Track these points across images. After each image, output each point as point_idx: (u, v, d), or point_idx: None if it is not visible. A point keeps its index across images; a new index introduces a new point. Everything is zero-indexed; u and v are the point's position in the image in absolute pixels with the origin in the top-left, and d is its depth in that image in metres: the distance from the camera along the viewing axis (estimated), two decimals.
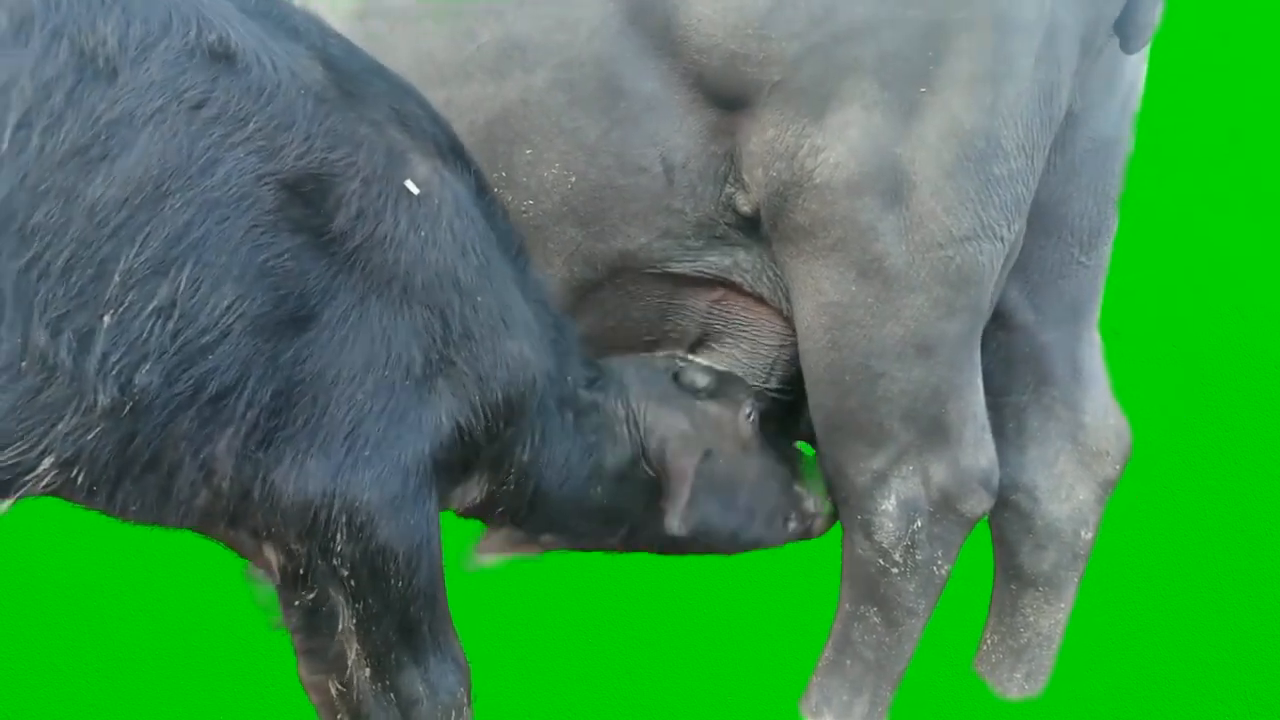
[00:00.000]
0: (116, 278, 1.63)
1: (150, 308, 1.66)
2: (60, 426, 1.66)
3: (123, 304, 1.64)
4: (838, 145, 2.17)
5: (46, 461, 1.68)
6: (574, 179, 2.33)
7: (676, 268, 2.43)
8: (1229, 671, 2.82)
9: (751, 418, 2.42)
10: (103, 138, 1.62)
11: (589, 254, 2.40)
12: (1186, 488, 3.29)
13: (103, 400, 1.67)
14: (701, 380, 2.41)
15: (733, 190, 2.33)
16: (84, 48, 1.61)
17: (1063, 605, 2.72)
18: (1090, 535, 2.69)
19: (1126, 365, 2.71)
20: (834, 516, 2.50)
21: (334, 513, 1.83)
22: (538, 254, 2.34)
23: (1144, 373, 2.76)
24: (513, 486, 2.16)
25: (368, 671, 1.94)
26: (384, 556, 1.87)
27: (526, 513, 2.23)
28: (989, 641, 2.81)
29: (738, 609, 3.04)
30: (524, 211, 2.35)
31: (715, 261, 2.42)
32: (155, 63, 1.65)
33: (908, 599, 2.46)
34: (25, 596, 2.93)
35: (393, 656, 1.94)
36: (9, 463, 1.66)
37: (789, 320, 2.41)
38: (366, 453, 1.83)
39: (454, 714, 2.01)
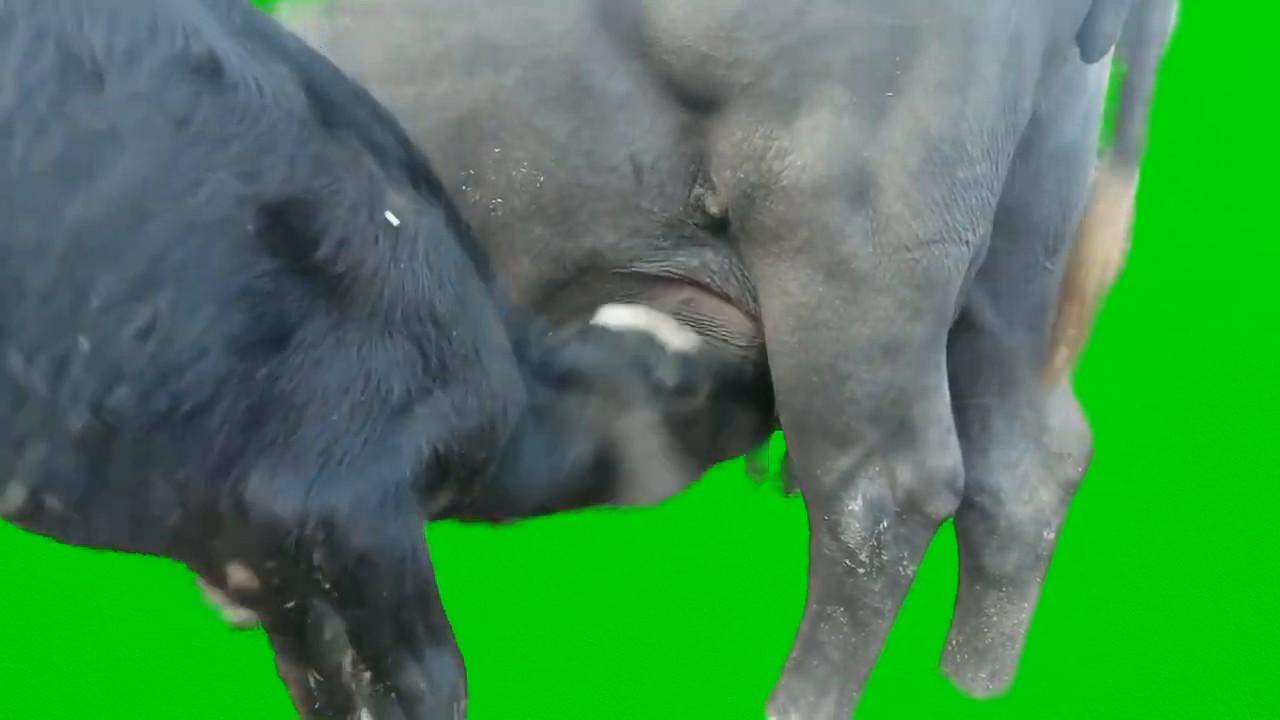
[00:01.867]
0: (95, 301, 1.57)
1: (129, 331, 1.61)
2: (30, 454, 1.61)
3: (100, 328, 1.59)
4: (805, 148, 2.18)
5: (17, 490, 1.63)
6: (543, 178, 2.33)
7: (645, 267, 2.44)
8: (1229, 671, 2.84)
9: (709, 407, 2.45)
10: (87, 152, 1.54)
11: (557, 253, 2.40)
12: (1186, 488, 3.31)
13: (75, 425, 1.61)
14: (671, 379, 2.41)
15: (702, 191, 2.34)
16: (70, 51, 1.53)
17: (1026, 605, 2.75)
18: (1052, 536, 2.72)
19: (1126, 365, 2.72)
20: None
21: (308, 530, 1.80)
22: (505, 252, 2.35)
23: (1144, 372, 2.77)
24: (478, 495, 2.18)
25: (368, 675, 1.93)
26: (367, 570, 1.85)
27: (487, 509, 2.26)
28: (954, 642, 2.84)
29: (708, 609, 3.05)
30: (492, 210, 2.35)
31: (683, 262, 2.43)
32: (143, 73, 1.59)
33: (874, 599, 2.48)
34: (25, 596, 2.89)
35: (390, 659, 1.94)
36: None
37: (758, 321, 2.43)
38: (342, 471, 1.81)
39: (454, 706, 2.02)
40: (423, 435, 1.90)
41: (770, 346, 2.39)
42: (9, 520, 1.74)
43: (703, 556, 3.12)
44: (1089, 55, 2.33)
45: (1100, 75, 2.48)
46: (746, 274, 2.39)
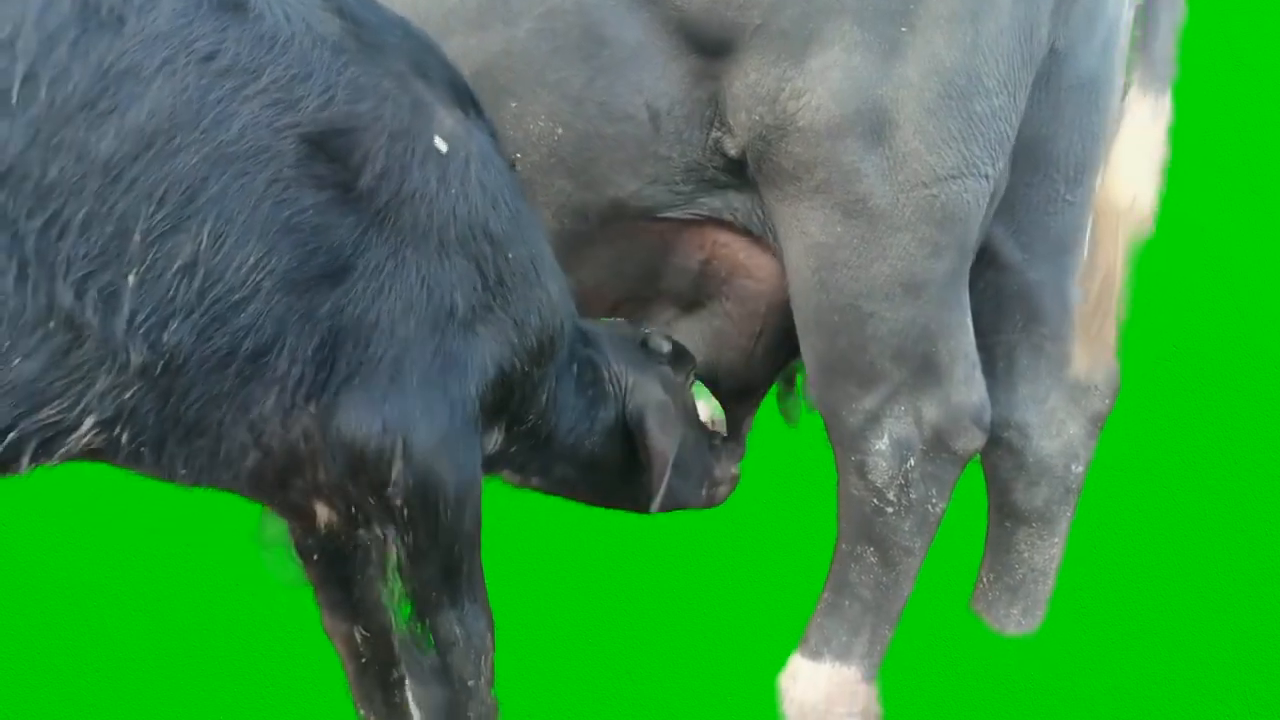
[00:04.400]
0: (137, 235, 1.63)
1: (174, 266, 1.65)
2: (97, 386, 1.67)
3: (145, 262, 1.64)
4: (819, 88, 2.18)
5: (88, 421, 1.69)
6: (560, 130, 2.34)
7: (668, 213, 2.44)
8: (1229, 671, 2.83)
9: (691, 383, 2.47)
10: (111, 90, 1.59)
11: (579, 205, 2.41)
12: (1186, 488, 3.29)
13: (135, 359, 1.67)
14: (665, 346, 2.45)
15: (719, 134, 2.34)
16: None
17: (1056, 540, 2.75)
18: (1081, 469, 2.71)
19: (1126, 365, 2.71)
20: (735, 484, 2.56)
21: (387, 446, 1.85)
22: None
23: (1144, 372, 2.74)
24: (528, 433, 2.20)
25: (408, 611, 2.00)
26: (435, 489, 1.91)
27: (531, 459, 2.28)
28: (985, 580, 2.84)
29: (744, 605, 3.05)
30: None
31: (706, 203, 2.43)
32: (163, 12, 1.62)
33: (903, 538, 2.49)
34: (25, 596, 2.95)
35: (433, 597, 2.00)
36: (50, 420, 1.66)
37: (780, 277, 2.44)
38: (414, 387, 1.86)
39: (483, 659, 2.07)
40: (486, 352, 1.95)
41: (791, 288, 2.39)
42: (91, 458, 1.79)
43: (703, 556, 3.15)
44: None
45: (1119, 5, 2.44)
46: (768, 213, 2.40)
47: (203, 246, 1.66)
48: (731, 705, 2.78)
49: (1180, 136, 3.58)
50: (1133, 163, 2.37)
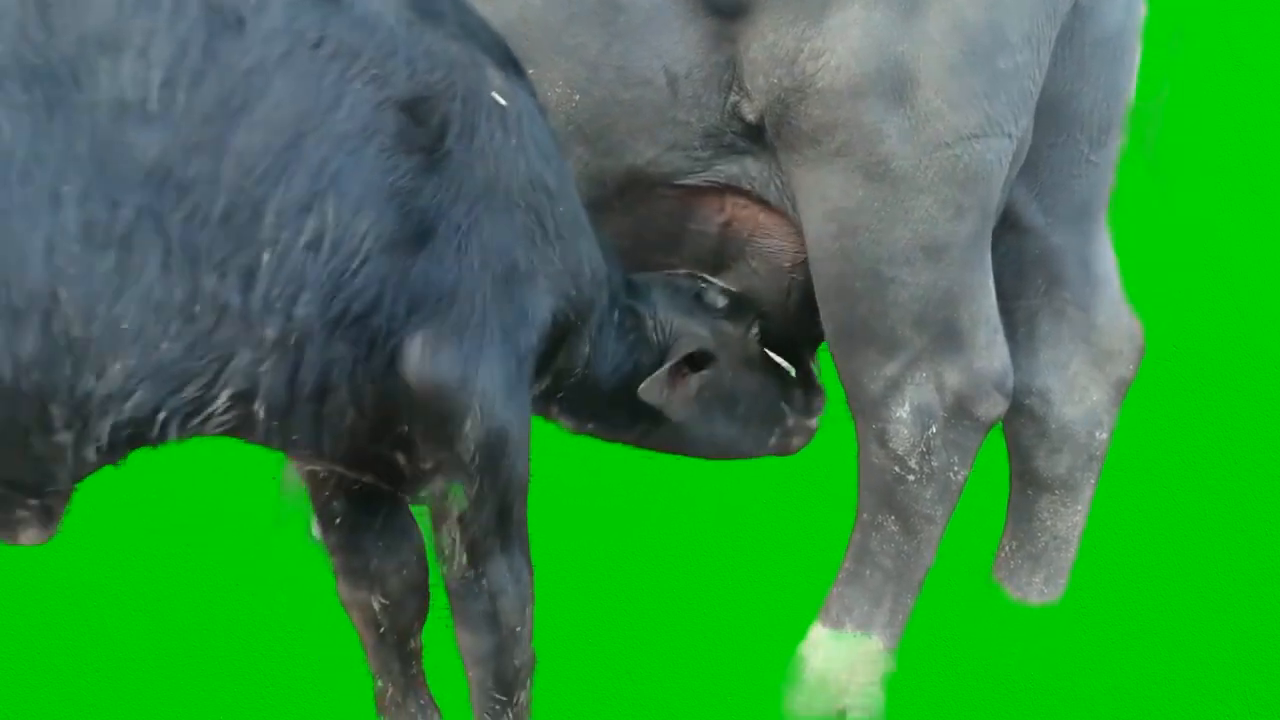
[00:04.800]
0: (270, 218, 1.77)
1: (302, 242, 1.80)
2: (235, 362, 1.80)
3: (277, 241, 1.78)
4: (838, 47, 2.16)
5: (224, 395, 1.82)
6: (578, 97, 2.33)
7: (686, 180, 2.43)
8: (1229, 671, 2.82)
9: (756, 335, 2.50)
10: (240, 88, 1.74)
11: (597, 172, 2.40)
12: (1186, 488, 3.27)
13: (270, 333, 1.81)
14: (720, 301, 2.49)
15: (737, 98, 2.32)
16: (210, 3, 1.73)
17: (1079, 507, 2.74)
18: (1105, 436, 2.69)
19: None
20: (810, 437, 2.61)
21: (464, 399, 1.96)
22: None
23: (1144, 372, 2.74)
24: (574, 379, 2.29)
25: (464, 558, 2.08)
26: (503, 439, 2.02)
27: (580, 404, 2.37)
28: (1007, 548, 2.83)
29: (744, 603, 3.04)
30: None
31: (723, 170, 2.41)
32: (275, 9, 1.77)
33: (925, 506, 2.48)
34: (25, 596, 2.95)
35: (487, 543, 2.08)
36: (191, 397, 1.80)
37: (801, 234, 2.42)
38: (489, 340, 1.98)
39: (528, 607, 2.16)
40: (544, 304, 2.07)
41: (811, 254, 2.38)
42: (225, 433, 1.91)
43: (703, 556, 3.14)
44: None
45: None
46: (787, 180, 2.38)
47: (327, 221, 1.80)
48: (733, 704, 2.78)
49: (1180, 136, 3.58)
50: None
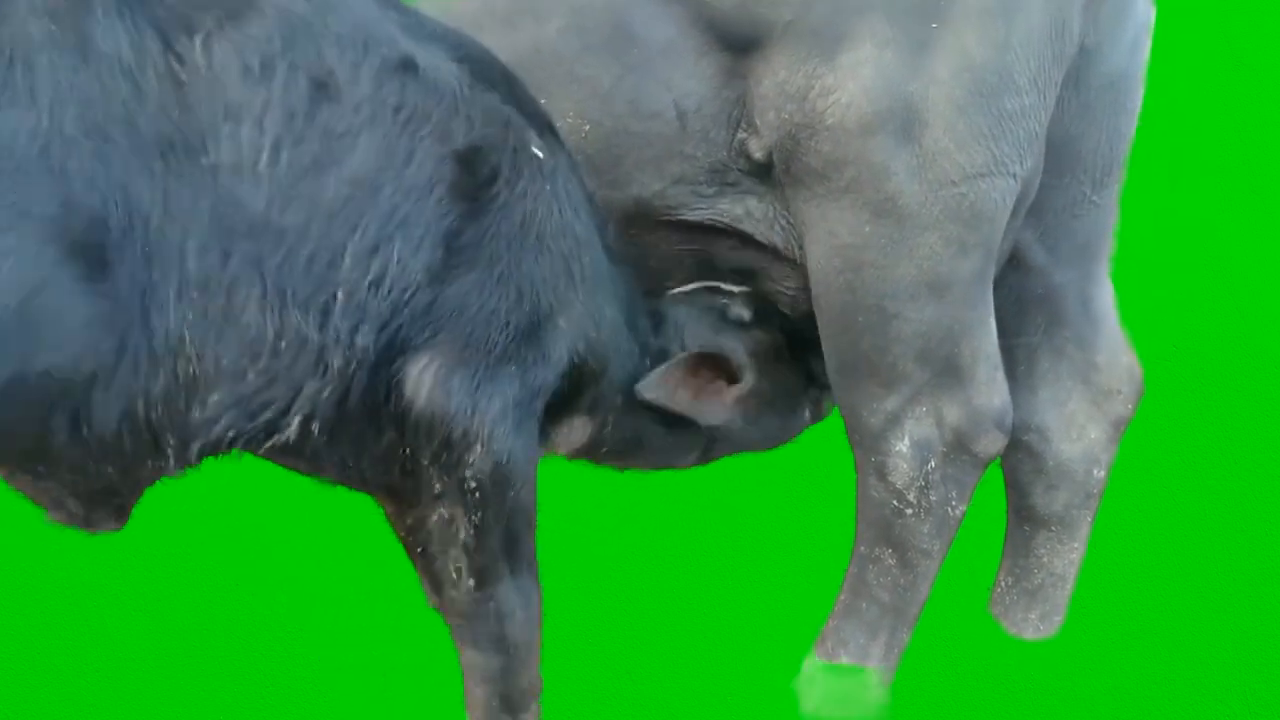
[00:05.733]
0: (347, 260, 1.96)
1: (368, 281, 1.98)
2: (306, 390, 1.98)
3: (350, 280, 1.96)
4: (849, 84, 2.19)
5: (295, 420, 1.99)
6: (588, 127, 2.36)
7: (689, 215, 2.45)
8: (1229, 671, 2.83)
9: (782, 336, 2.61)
10: (333, 149, 1.95)
11: (604, 202, 2.42)
12: (1186, 488, 3.29)
13: (336, 363, 1.98)
14: (746, 314, 2.57)
15: (745, 135, 2.35)
16: (316, 78, 1.94)
17: (1076, 545, 2.75)
18: (1102, 474, 2.71)
19: None
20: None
21: (473, 430, 2.08)
22: None
23: (1144, 372, 2.76)
24: (612, 428, 2.42)
25: (471, 583, 2.16)
26: (509, 468, 2.11)
27: (631, 449, 2.50)
28: (1003, 584, 2.84)
29: (745, 603, 3.05)
30: None
31: (726, 209, 2.44)
32: (365, 81, 1.98)
33: (922, 540, 2.49)
34: (25, 596, 2.94)
35: (495, 568, 2.16)
36: (265, 421, 1.98)
37: (801, 268, 2.44)
38: (508, 376, 2.11)
39: (537, 630, 2.23)
40: (564, 343, 2.19)
41: (815, 290, 2.40)
42: (268, 451, 2.04)
43: (710, 554, 3.15)
44: None
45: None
46: (790, 221, 2.41)
47: (391, 261, 1.99)
48: (733, 704, 2.77)
49: (1180, 136, 3.60)
50: None
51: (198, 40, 1.86)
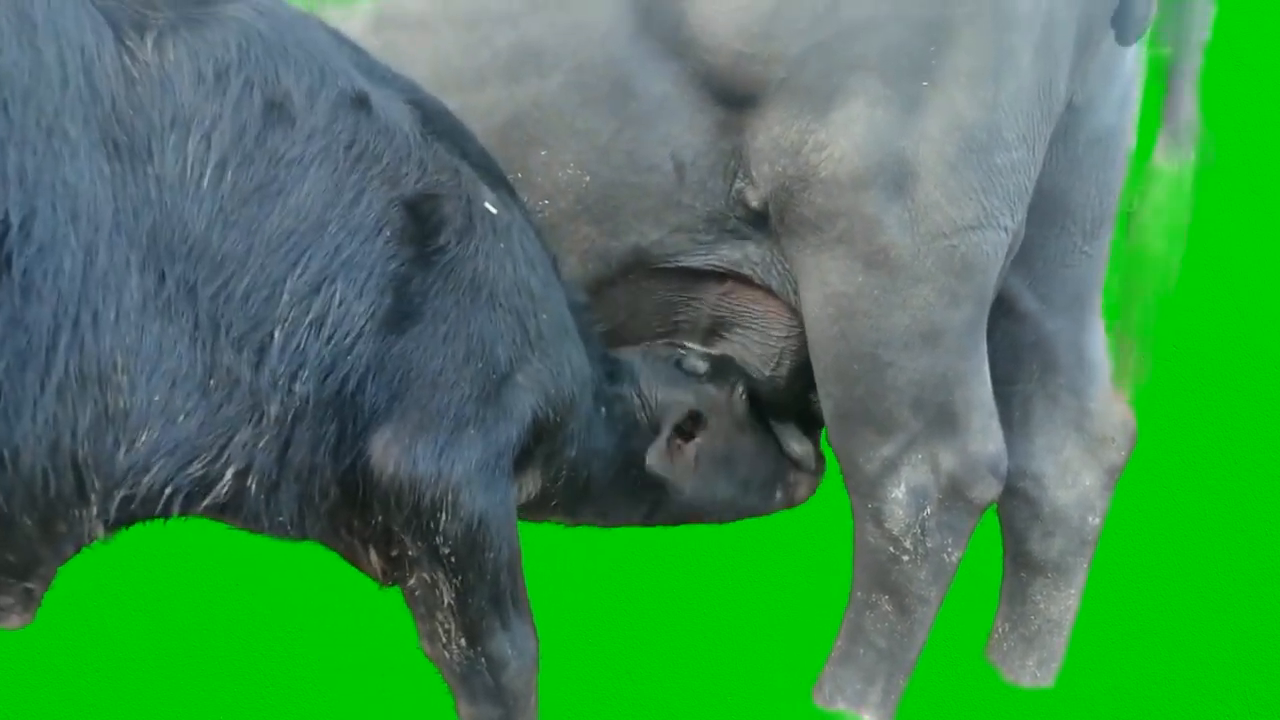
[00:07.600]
0: (285, 297, 1.85)
1: (307, 320, 1.87)
2: (238, 437, 1.85)
3: (287, 319, 1.85)
4: (842, 140, 2.24)
5: (229, 472, 1.86)
6: (588, 179, 2.40)
7: (688, 261, 2.49)
8: (1229, 671, 2.82)
9: (743, 396, 2.58)
10: (280, 176, 1.85)
11: (603, 251, 2.47)
12: (1186, 488, 3.29)
13: (272, 410, 1.86)
14: (701, 366, 2.56)
15: (742, 185, 2.39)
16: (271, 98, 1.84)
17: (1072, 591, 2.76)
18: (1097, 521, 2.73)
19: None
20: (815, 483, 2.69)
21: (439, 496, 2.00)
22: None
23: (1143, 373, 2.77)
24: (564, 482, 2.35)
25: (462, 642, 2.11)
26: (482, 530, 2.05)
27: (578, 503, 2.42)
28: (1000, 630, 2.85)
29: (745, 604, 3.07)
30: (540, 211, 2.42)
31: (726, 254, 2.48)
32: (321, 110, 1.89)
33: (919, 586, 2.50)
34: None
35: (484, 624, 2.11)
36: (197, 474, 1.84)
37: (796, 312, 2.48)
38: (468, 435, 2.03)
39: (533, 676, 2.19)
40: (526, 400, 2.12)
41: (811, 336, 2.44)
42: (207, 510, 1.91)
43: (743, 552, 3.14)
44: (1125, 38, 2.36)
45: (1135, 59, 2.50)
46: (787, 266, 2.44)
47: (333, 302, 1.88)
48: (733, 704, 2.77)
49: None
50: (1164, 222, 2.44)
51: (149, 38, 1.74)
